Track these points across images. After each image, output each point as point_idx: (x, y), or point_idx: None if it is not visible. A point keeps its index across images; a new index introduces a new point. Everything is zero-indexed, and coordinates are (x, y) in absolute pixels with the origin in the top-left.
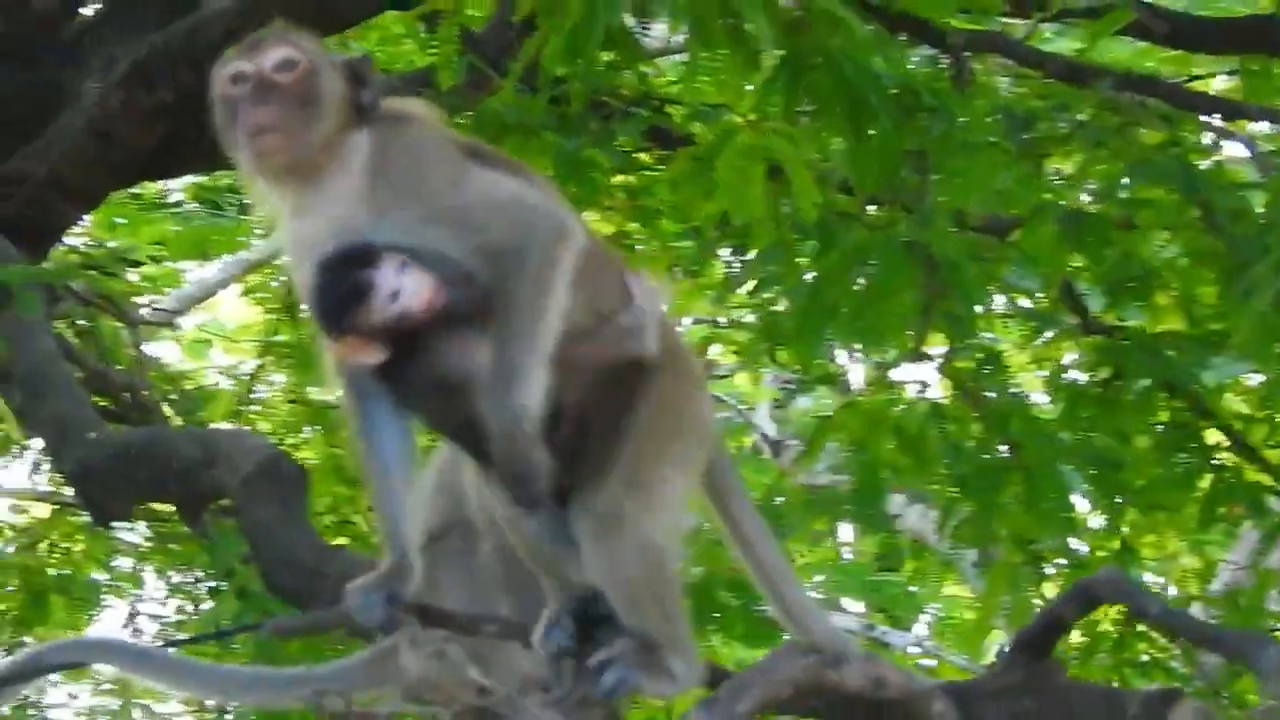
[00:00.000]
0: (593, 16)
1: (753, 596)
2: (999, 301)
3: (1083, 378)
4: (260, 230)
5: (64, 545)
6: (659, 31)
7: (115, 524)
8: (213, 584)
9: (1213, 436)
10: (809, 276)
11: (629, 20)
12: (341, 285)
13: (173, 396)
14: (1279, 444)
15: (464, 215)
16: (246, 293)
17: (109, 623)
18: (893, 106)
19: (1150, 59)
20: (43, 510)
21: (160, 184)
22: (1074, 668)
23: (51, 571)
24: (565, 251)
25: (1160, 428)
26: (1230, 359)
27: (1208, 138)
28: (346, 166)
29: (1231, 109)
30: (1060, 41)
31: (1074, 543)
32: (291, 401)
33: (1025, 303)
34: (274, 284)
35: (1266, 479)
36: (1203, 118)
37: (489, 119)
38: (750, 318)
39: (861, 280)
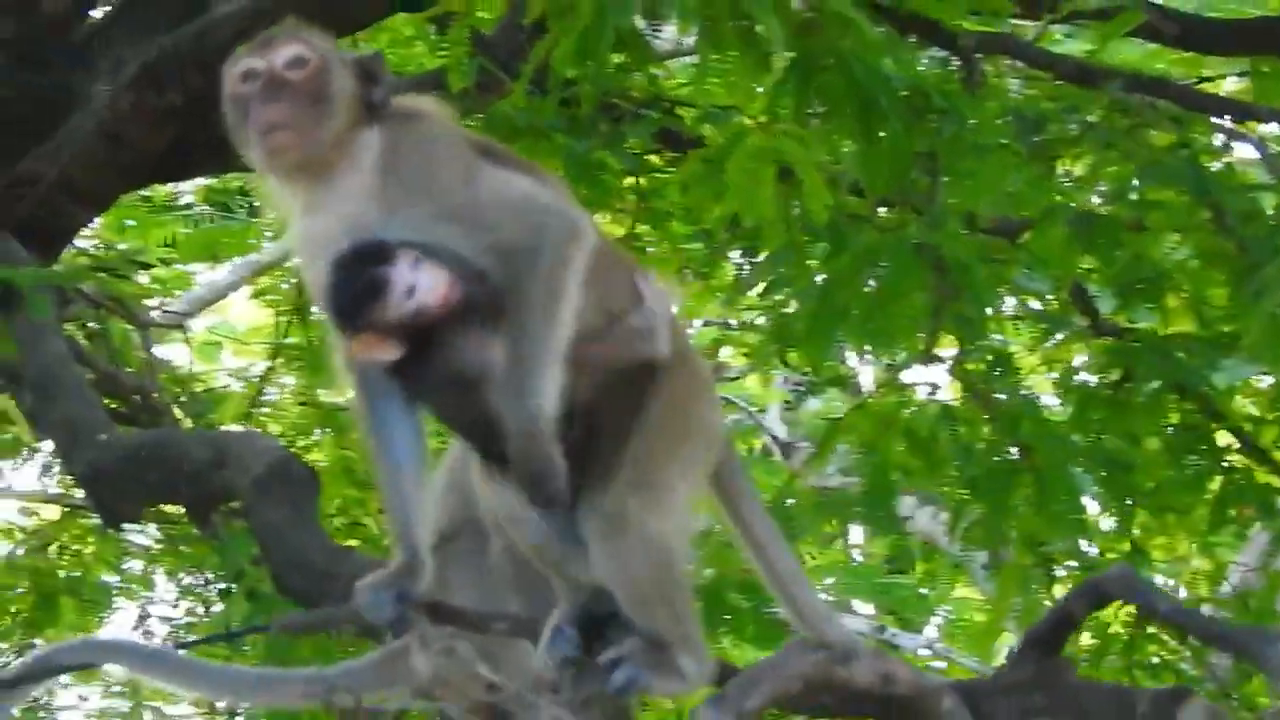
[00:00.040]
0: (603, 18)
1: (763, 598)
2: (1009, 303)
3: (1093, 380)
4: (270, 232)
5: (74, 547)
6: (669, 33)
7: (125, 526)
8: (223, 586)
9: (1223, 438)
10: (819, 279)
11: (639, 22)
12: (357, 282)
13: (183, 399)
14: None
15: (476, 213)
16: (257, 295)
17: (119, 625)
18: (903, 108)
19: (1160, 61)
20: (53, 512)
21: (170, 186)
22: (1084, 669)
23: (62, 574)
24: (577, 251)
25: (1171, 430)
26: (1241, 361)
27: (1218, 139)
28: (358, 164)
29: (1242, 110)
30: (1070, 43)
31: (1084, 545)
32: (302, 404)
33: (1035, 305)
34: (284, 286)
35: (1277, 481)
36: (1213, 119)
37: (499, 121)
38: (761, 320)
39: (872, 282)
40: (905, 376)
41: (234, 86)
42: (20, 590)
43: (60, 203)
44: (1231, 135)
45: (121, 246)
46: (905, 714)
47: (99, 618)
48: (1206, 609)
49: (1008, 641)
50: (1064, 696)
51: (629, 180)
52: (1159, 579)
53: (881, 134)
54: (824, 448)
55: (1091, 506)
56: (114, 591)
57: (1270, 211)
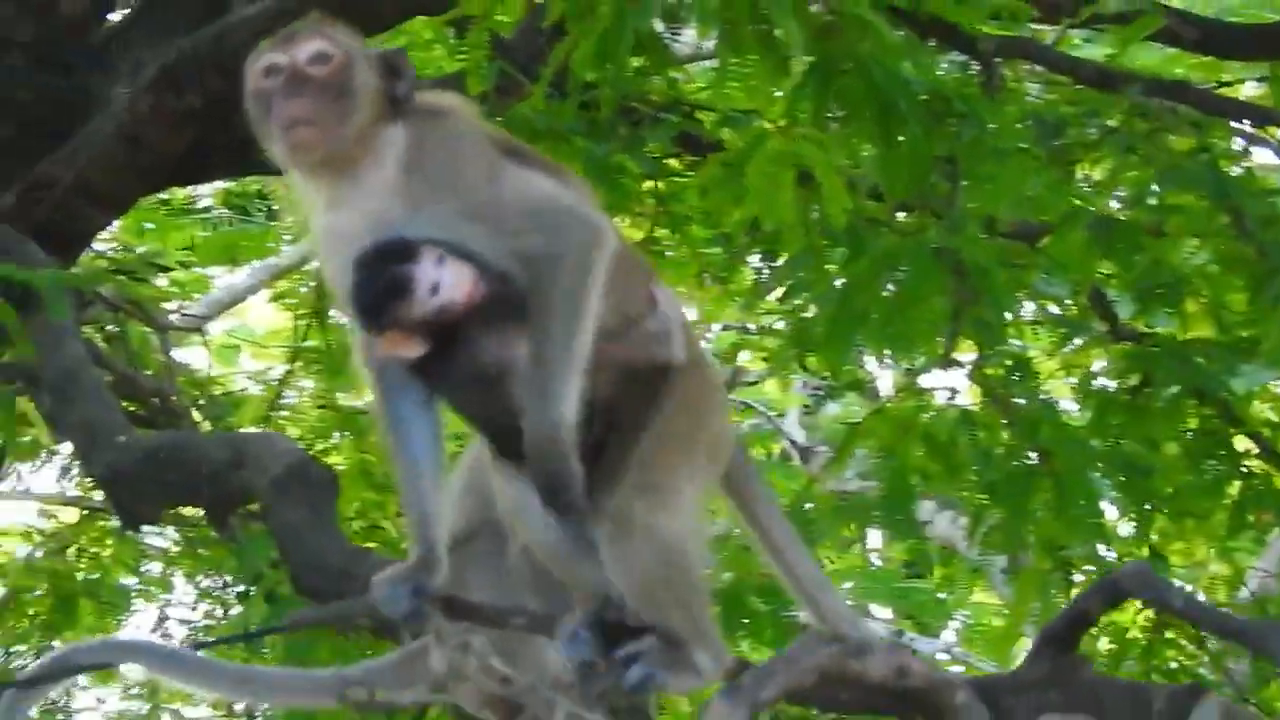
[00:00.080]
0: (622, 22)
1: (783, 602)
2: (1028, 308)
3: (1112, 384)
4: (289, 236)
5: (93, 550)
6: (689, 37)
7: (144, 528)
8: (241, 588)
9: (1242, 443)
10: (839, 283)
11: (658, 26)
12: (381, 280)
13: (201, 402)
14: None
15: (499, 213)
16: (275, 298)
17: (138, 627)
18: (922, 112)
19: (1180, 65)
20: (71, 515)
21: (189, 189)
22: (1101, 673)
23: (80, 576)
24: (600, 257)
25: (1189, 435)
26: (1260, 366)
27: (1238, 144)
28: (382, 160)
29: (1262, 115)
30: (1090, 48)
31: (1102, 550)
32: (321, 407)
33: (1055, 309)
34: (303, 289)
35: None
36: (1233, 124)
37: (519, 124)
38: (779, 324)
39: (891, 287)
40: (924, 381)
41: (256, 81)
42: (39, 592)
43: (78, 205)
44: (1251, 140)
45: (140, 249)
46: (920, 708)
47: (117, 620)
48: None
49: (1026, 646)
50: (1080, 693)
51: (648, 184)
52: (1177, 584)
53: (901, 138)
54: (843, 452)
55: (1110, 512)
56: (132, 594)
57: None
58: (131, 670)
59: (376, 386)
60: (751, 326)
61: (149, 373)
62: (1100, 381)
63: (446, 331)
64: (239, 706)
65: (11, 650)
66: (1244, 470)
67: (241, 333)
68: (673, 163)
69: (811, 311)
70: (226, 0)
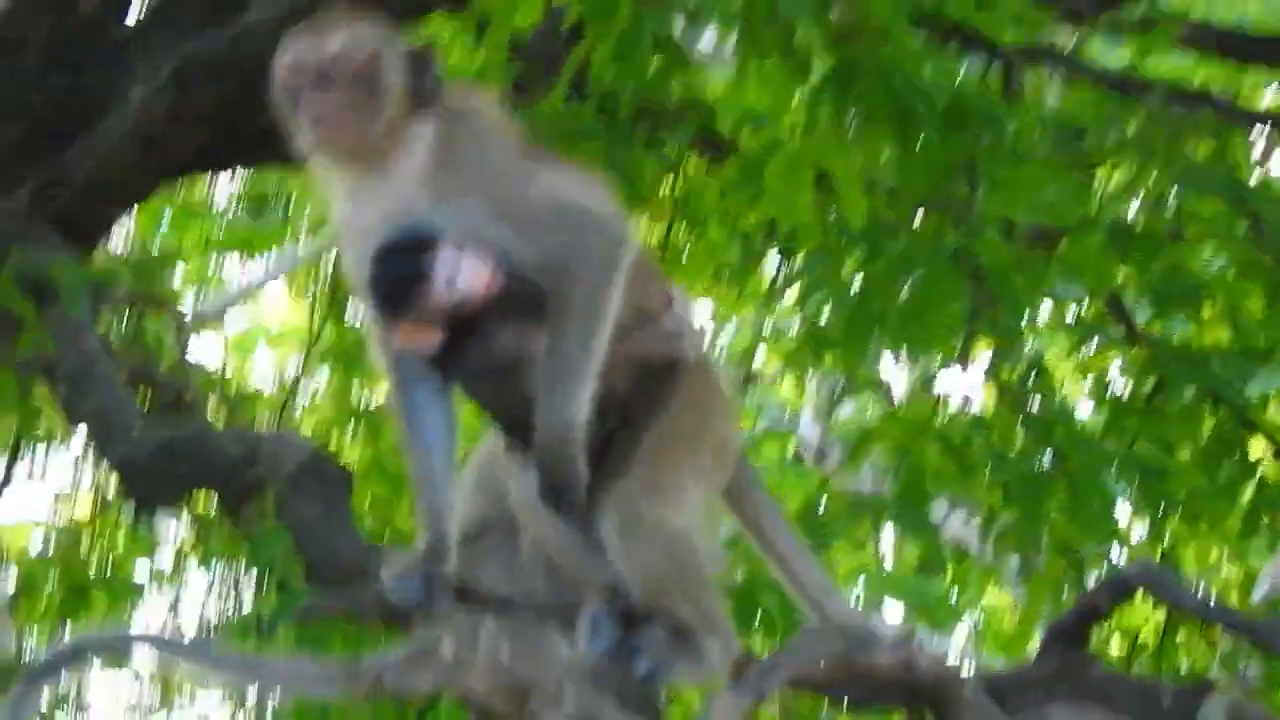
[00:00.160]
0: (640, 24)
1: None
2: (1045, 311)
3: (1128, 388)
4: (304, 231)
5: (106, 539)
6: (708, 39)
7: (157, 520)
8: (254, 580)
9: (1256, 448)
10: (856, 284)
11: (677, 27)
12: (400, 271)
13: (216, 396)
14: None
15: (525, 211)
16: (291, 293)
17: (151, 616)
18: (941, 117)
19: (1199, 72)
20: (85, 505)
21: (205, 185)
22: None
23: (93, 566)
24: (622, 261)
25: (1204, 438)
26: (1274, 371)
27: (1256, 151)
28: (410, 154)
29: None
30: (1110, 54)
31: (1115, 552)
32: (336, 402)
33: (1071, 313)
34: (318, 284)
35: None
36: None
37: (537, 125)
38: (796, 324)
39: (907, 289)
40: (939, 382)
41: (285, 74)
42: (52, 582)
43: (94, 201)
44: (1270, 147)
45: (155, 244)
46: (928, 701)
47: (130, 609)
48: None
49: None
50: (1089, 689)
51: (666, 184)
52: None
53: (919, 142)
54: (858, 452)
55: (1122, 515)
56: (145, 584)
57: None
58: (143, 659)
59: (392, 377)
60: (768, 326)
61: (164, 366)
62: (1116, 385)
63: (464, 323)
64: (249, 696)
65: (24, 639)
66: (1257, 474)
67: (256, 328)
68: (691, 164)
69: (827, 312)
70: (244, 1)
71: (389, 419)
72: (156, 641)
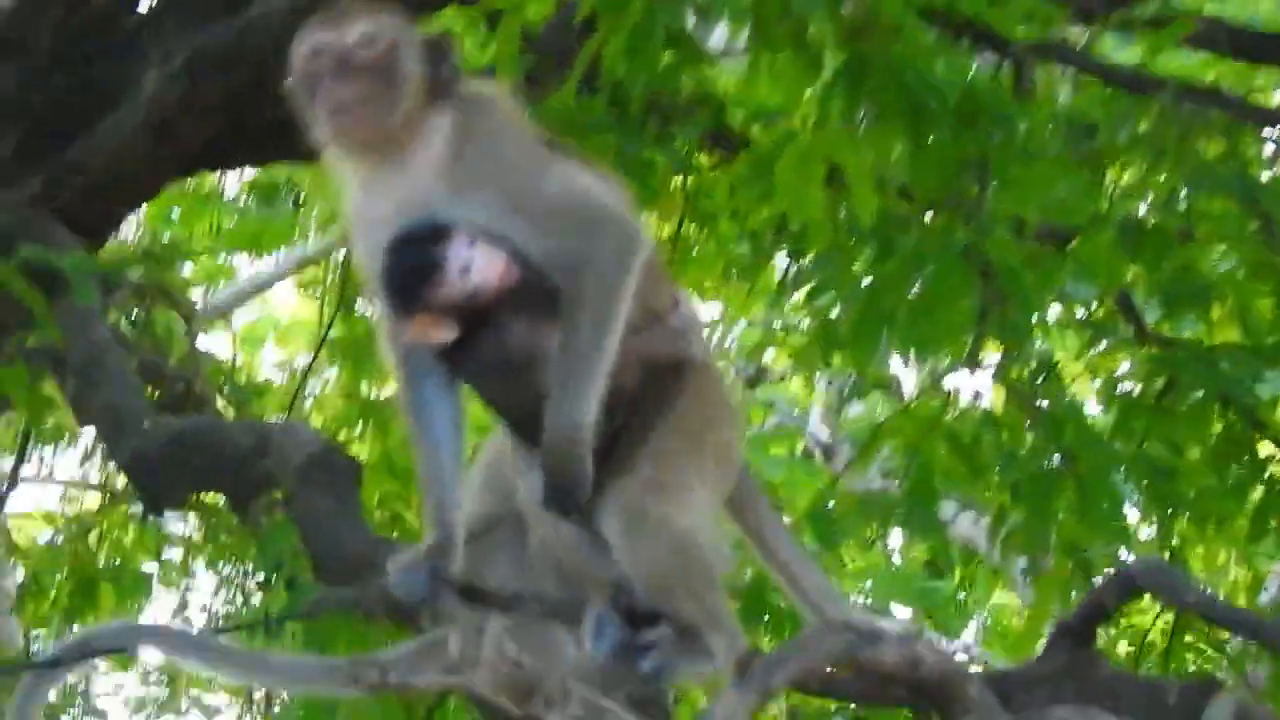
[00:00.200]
0: (653, 17)
1: None
2: (1055, 310)
3: (1137, 388)
4: (315, 225)
5: (115, 535)
6: (720, 33)
7: (166, 514)
8: (262, 576)
9: (1265, 449)
10: (866, 282)
11: (689, 21)
12: (414, 261)
13: (225, 390)
14: None
15: (541, 207)
16: (301, 287)
17: (159, 613)
18: (953, 114)
19: (1211, 70)
20: (93, 500)
21: (215, 177)
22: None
23: (102, 561)
24: (635, 263)
25: (1213, 439)
26: None
27: (1268, 150)
28: (427, 144)
29: None
30: (1122, 52)
31: (1124, 553)
32: (345, 396)
33: (1081, 312)
34: (328, 279)
35: None
36: (1264, 130)
37: (549, 119)
38: (805, 322)
39: (917, 287)
40: (949, 381)
41: (303, 63)
42: (60, 577)
43: (105, 193)
44: None
45: (166, 237)
46: (933, 700)
47: (138, 605)
48: None
49: None
50: (1095, 687)
51: (676, 180)
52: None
53: (931, 138)
54: (867, 451)
55: (1131, 515)
56: (153, 580)
57: None
58: (151, 655)
59: (401, 371)
60: (777, 324)
61: (173, 359)
62: (1125, 385)
63: (477, 316)
64: (257, 694)
65: (32, 633)
66: (1267, 476)
67: (266, 321)
68: (701, 159)
69: (837, 310)
70: None
71: (398, 415)
72: (162, 637)
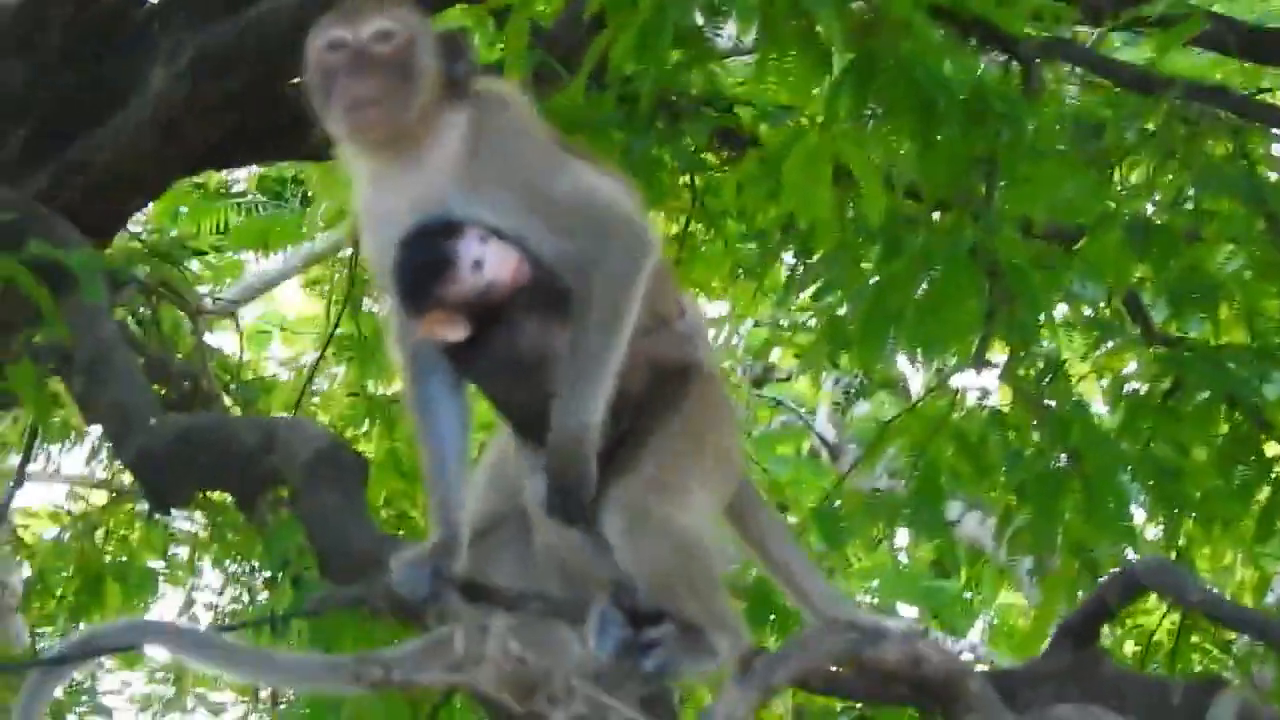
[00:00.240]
0: (662, 15)
1: None
2: (1062, 310)
3: (1144, 388)
4: (322, 222)
5: (121, 533)
6: (729, 31)
7: (172, 512)
8: (269, 574)
9: (1272, 449)
10: (873, 281)
11: (699, 19)
12: (426, 256)
13: (232, 387)
14: None
15: (554, 207)
16: (308, 284)
17: (165, 611)
18: (961, 112)
19: (1219, 70)
20: (100, 497)
21: (223, 174)
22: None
23: (108, 558)
24: (645, 265)
25: (1220, 439)
26: None
27: (1276, 149)
28: (442, 141)
29: None
30: (1130, 51)
31: (1130, 554)
32: (351, 394)
33: (1088, 312)
34: (335, 276)
35: None
36: (1271, 130)
37: (557, 116)
38: (812, 321)
39: (925, 286)
40: (956, 381)
41: (319, 57)
42: (67, 574)
43: (113, 189)
44: None
45: (173, 233)
46: (936, 698)
47: (144, 603)
48: None
49: None
50: (1099, 686)
51: (684, 178)
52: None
53: (939, 137)
54: (874, 451)
55: (1137, 515)
56: (160, 577)
57: None
58: (157, 653)
59: (408, 369)
60: (784, 323)
61: (180, 356)
62: (1132, 385)
63: (489, 314)
64: (263, 692)
65: (38, 631)
66: (1273, 476)
67: (273, 319)
68: (710, 157)
69: (844, 309)
70: None
71: (404, 412)
72: (168, 635)
